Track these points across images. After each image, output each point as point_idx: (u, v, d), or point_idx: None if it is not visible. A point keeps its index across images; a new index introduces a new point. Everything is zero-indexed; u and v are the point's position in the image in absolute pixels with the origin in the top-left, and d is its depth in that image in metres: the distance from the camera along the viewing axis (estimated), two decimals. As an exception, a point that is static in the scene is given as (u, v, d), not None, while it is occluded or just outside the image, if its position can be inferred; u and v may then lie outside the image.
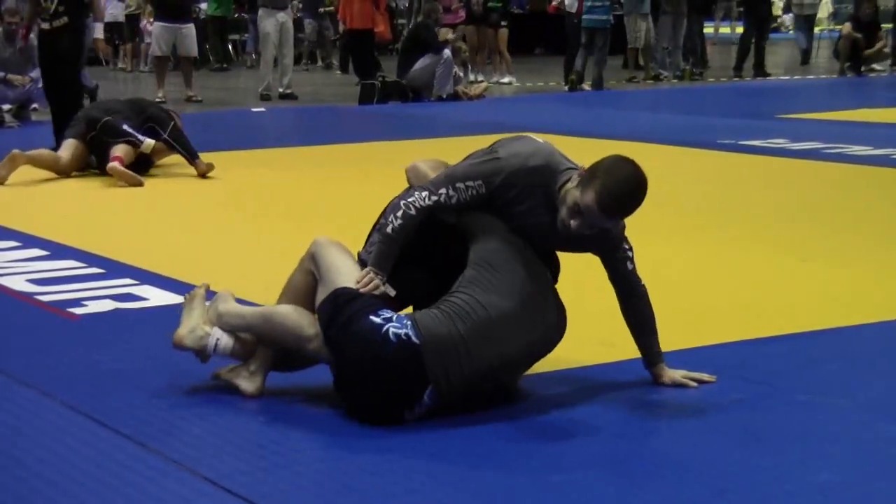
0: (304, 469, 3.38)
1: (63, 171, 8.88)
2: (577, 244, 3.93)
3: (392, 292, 3.81)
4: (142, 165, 8.91)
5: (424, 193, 3.83)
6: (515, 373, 3.88)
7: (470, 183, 3.82)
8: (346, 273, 3.76)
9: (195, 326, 3.97)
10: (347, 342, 3.63)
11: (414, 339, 3.58)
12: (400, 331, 3.58)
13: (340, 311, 3.66)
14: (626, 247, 3.94)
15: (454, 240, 3.88)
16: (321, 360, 3.83)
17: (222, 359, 3.99)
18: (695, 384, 4.01)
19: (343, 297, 3.68)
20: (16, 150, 8.78)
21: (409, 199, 3.83)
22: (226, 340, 3.95)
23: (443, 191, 3.82)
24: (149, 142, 8.81)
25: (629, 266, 3.94)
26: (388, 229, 3.81)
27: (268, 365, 3.92)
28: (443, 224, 3.89)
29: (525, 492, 3.20)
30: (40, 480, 3.25)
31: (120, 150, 8.69)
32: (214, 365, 4.03)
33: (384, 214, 3.91)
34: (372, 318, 3.61)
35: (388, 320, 3.61)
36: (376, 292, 3.72)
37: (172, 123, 9.08)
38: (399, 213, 3.81)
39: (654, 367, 4.02)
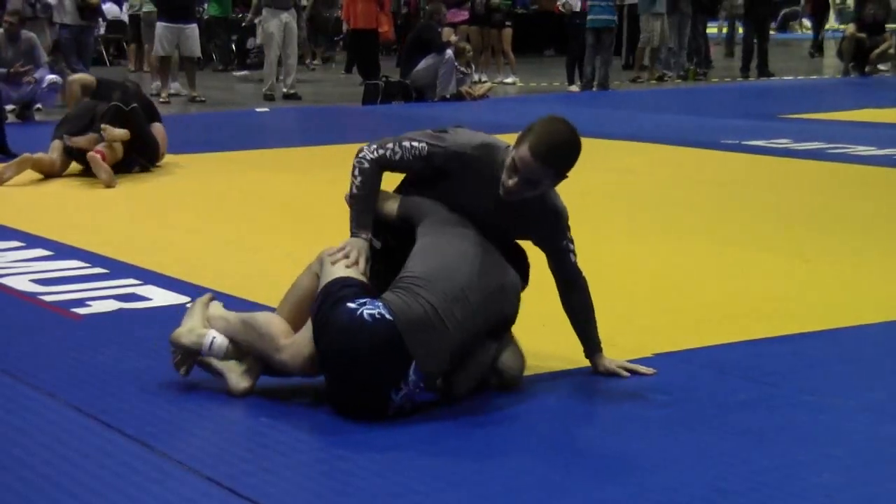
0: (308, 469, 3.39)
1: (58, 173, 8.99)
2: (520, 224, 4.02)
3: (378, 244, 3.99)
4: (129, 155, 8.96)
5: (373, 146, 4.03)
6: (492, 333, 3.89)
7: (416, 143, 4.00)
8: (342, 268, 3.83)
9: (193, 326, 4.02)
10: (328, 327, 3.69)
11: (388, 316, 3.65)
12: (374, 311, 3.66)
13: (328, 297, 3.74)
14: (570, 237, 4.07)
15: (404, 237, 3.98)
16: (288, 373, 3.88)
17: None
18: (627, 374, 4.12)
19: (335, 286, 3.76)
20: (26, 154, 8.87)
21: (360, 156, 4.02)
22: (221, 340, 3.97)
23: (389, 146, 4.01)
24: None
25: (572, 258, 4.08)
26: (354, 189, 4.00)
27: (261, 367, 3.94)
28: (392, 227, 4.02)
29: (527, 491, 3.20)
30: (44, 481, 3.26)
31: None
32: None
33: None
34: (348, 304, 3.69)
35: (363, 304, 3.68)
36: (356, 256, 3.84)
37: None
38: (356, 172, 4.01)
39: (593, 356, 4.16)
